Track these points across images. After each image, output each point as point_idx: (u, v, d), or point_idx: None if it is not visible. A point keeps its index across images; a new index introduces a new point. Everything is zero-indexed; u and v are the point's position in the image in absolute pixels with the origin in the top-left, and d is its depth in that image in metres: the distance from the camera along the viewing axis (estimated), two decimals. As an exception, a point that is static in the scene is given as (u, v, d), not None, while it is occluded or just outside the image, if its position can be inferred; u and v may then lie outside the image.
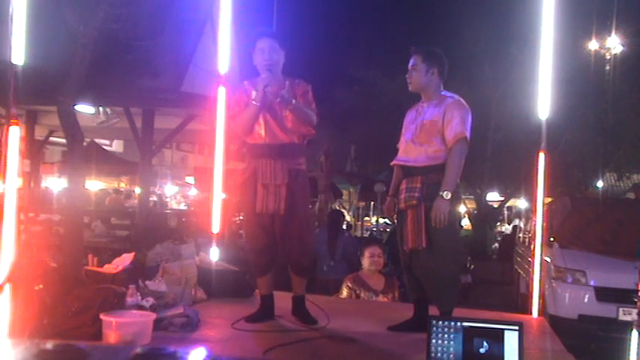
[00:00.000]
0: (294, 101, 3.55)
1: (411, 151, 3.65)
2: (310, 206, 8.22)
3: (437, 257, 3.48)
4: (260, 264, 3.74)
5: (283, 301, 3.81)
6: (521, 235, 12.41)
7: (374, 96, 19.07)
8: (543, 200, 4.44)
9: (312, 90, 3.72)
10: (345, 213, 16.45)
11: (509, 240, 14.80)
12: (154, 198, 14.46)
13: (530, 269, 4.50)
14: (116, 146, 18.67)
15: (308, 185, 3.74)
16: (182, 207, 18.54)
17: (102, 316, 2.99)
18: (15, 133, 2.94)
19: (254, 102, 3.56)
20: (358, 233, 18.63)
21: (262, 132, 3.62)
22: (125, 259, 3.91)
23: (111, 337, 2.95)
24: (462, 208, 14.51)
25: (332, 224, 7.00)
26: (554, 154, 5.64)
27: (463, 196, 14.82)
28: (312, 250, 3.85)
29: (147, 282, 3.74)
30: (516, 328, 2.65)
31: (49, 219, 8.88)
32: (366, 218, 24.08)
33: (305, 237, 3.71)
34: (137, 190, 11.81)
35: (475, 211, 19.14)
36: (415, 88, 3.73)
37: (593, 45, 15.61)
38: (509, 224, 20.74)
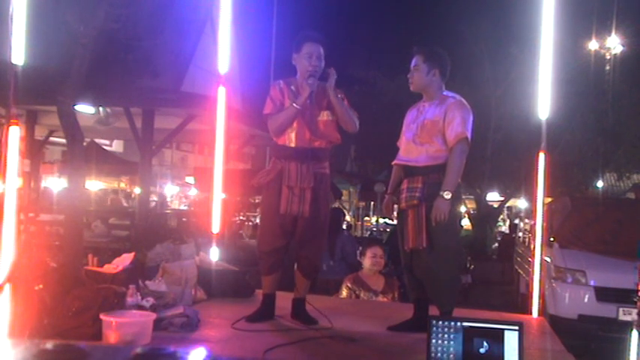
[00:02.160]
0: (345, 102, 3.61)
1: (412, 150, 3.65)
2: None
3: (437, 257, 3.48)
4: (270, 263, 3.74)
5: (284, 301, 3.82)
6: (520, 234, 12.43)
7: (374, 96, 19.04)
8: (543, 200, 4.44)
9: (344, 93, 3.74)
10: (346, 213, 16.44)
11: (509, 240, 14.81)
12: (154, 198, 14.45)
13: (530, 269, 4.50)
14: (116, 146, 18.66)
15: (330, 189, 3.75)
16: (182, 207, 18.54)
17: (102, 316, 2.99)
18: (15, 133, 2.94)
19: (295, 105, 3.56)
20: (358, 233, 18.63)
21: (293, 134, 3.62)
22: (125, 259, 3.91)
23: (111, 337, 2.95)
24: (462, 208, 14.51)
25: (332, 223, 6.95)
26: (554, 154, 5.64)
27: (463, 196, 14.80)
28: (323, 253, 3.88)
29: (147, 282, 3.74)
30: (516, 328, 2.65)
31: (55, 219, 8.87)
32: (366, 218, 24.09)
33: (322, 240, 3.74)
34: (137, 190, 11.82)
35: (475, 211, 19.12)
36: (416, 88, 3.74)
37: (593, 45, 15.60)
38: (509, 224, 20.74)
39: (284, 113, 3.60)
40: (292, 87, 3.69)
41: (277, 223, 3.65)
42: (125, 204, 14.48)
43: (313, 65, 3.61)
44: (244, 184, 6.23)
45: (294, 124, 3.61)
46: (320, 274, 6.41)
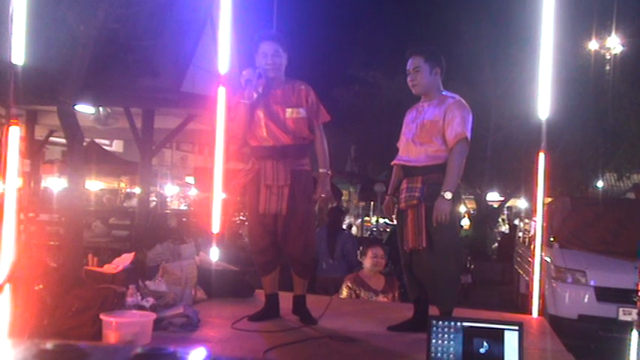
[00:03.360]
0: (322, 170, 3.70)
1: (411, 150, 3.65)
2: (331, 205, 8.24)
3: (437, 257, 3.48)
4: (263, 263, 3.76)
5: (284, 300, 3.82)
6: (520, 234, 12.43)
7: (374, 96, 19.04)
8: (543, 200, 4.44)
9: (313, 90, 3.73)
10: (346, 212, 16.40)
11: (509, 240, 14.80)
12: (154, 198, 14.43)
13: (530, 269, 4.50)
14: (116, 146, 18.64)
15: (311, 186, 3.74)
16: (182, 207, 18.50)
17: (102, 316, 2.99)
18: (15, 133, 2.94)
19: (243, 101, 3.61)
20: (358, 233, 18.62)
21: (265, 134, 3.64)
22: (125, 259, 3.91)
23: (111, 337, 2.95)
24: (462, 208, 14.52)
25: (332, 223, 6.99)
26: (554, 154, 5.63)
27: (463, 196, 14.82)
28: (313, 251, 3.86)
29: (147, 282, 3.74)
30: (516, 328, 2.65)
31: (55, 218, 8.86)
32: (366, 218, 24.09)
33: (306, 237, 3.71)
34: (137, 190, 11.80)
35: (475, 211, 19.13)
36: (419, 90, 3.70)
37: (593, 45, 15.60)
38: (509, 224, 20.74)
39: (237, 112, 3.66)
40: (259, 89, 3.67)
41: (258, 223, 3.69)
42: (129, 203, 14.45)
43: (269, 64, 3.64)
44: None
45: (264, 124, 3.63)
46: (320, 272, 6.46)
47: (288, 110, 3.64)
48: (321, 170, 3.70)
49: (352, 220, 21.38)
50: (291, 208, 3.57)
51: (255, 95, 3.61)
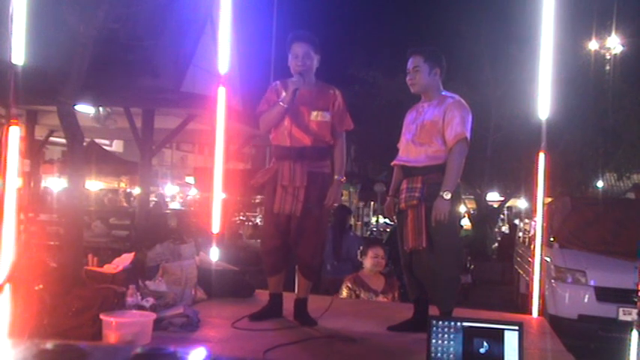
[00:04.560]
0: (336, 177, 3.70)
1: (411, 151, 3.65)
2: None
3: (437, 257, 3.48)
4: (270, 263, 3.76)
5: (285, 301, 3.82)
6: (520, 234, 12.44)
7: (374, 96, 19.04)
8: (543, 200, 4.44)
9: (342, 96, 3.76)
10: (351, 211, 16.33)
11: (508, 240, 14.80)
12: (154, 198, 14.43)
13: (530, 269, 4.50)
14: (116, 146, 18.64)
15: (328, 189, 3.72)
16: (177, 206, 18.50)
17: (102, 316, 2.99)
18: (15, 133, 2.94)
19: (281, 103, 3.60)
20: (358, 233, 18.64)
21: (286, 134, 3.64)
22: (125, 259, 3.91)
23: (111, 337, 2.95)
24: (462, 208, 14.51)
25: (337, 223, 6.87)
26: (554, 154, 5.63)
27: (463, 196, 14.82)
28: (322, 254, 3.87)
29: (147, 282, 3.74)
30: (516, 328, 2.65)
31: (55, 219, 8.86)
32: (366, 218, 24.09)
33: (317, 240, 3.72)
34: (137, 191, 11.80)
35: (475, 211, 19.13)
36: (418, 89, 3.71)
37: (593, 45, 15.61)
38: (508, 224, 20.75)
39: (271, 111, 3.66)
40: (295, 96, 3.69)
41: (271, 222, 3.70)
42: (125, 204, 14.47)
43: (299, 65, 3.65)
44: (244, 184, 6.24)
45: (286, 124, 3.63)
46: (325, 273, 6.40)
47: (314, 113, 3.64)
48: (336, 177, 3.70)
49: (375, 219, 21.33)
50: (305, 210, 3.57)
51: (290, 101, 3.61)
